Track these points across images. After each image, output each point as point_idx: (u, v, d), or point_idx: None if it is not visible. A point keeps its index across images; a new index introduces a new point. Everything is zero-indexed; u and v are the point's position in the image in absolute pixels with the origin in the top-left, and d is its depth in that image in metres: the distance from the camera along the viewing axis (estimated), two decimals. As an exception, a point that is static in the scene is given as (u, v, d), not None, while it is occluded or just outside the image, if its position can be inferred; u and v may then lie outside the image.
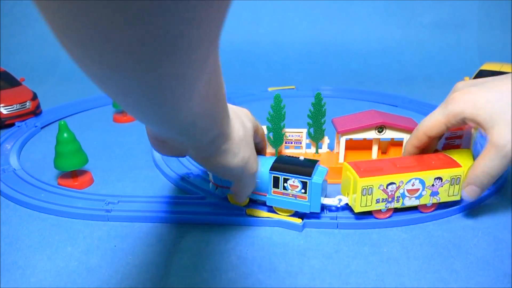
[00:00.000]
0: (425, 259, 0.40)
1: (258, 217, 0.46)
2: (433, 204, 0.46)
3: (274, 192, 0.45)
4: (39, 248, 0.43)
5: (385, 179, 0.43)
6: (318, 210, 0.44)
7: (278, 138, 0.54)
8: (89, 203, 0.49)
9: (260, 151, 0.49)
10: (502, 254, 0.41)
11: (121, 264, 0.40)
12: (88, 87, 1.05)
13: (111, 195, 0.51)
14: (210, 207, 0.48)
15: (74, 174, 0.55)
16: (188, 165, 0.58)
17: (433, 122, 0.46)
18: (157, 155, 0.62)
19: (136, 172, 0.59)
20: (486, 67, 0.82)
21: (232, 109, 0.37)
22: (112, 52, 0.18)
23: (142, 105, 0.24)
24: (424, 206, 0.46)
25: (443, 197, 0.45)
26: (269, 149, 0.57)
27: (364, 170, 0.43)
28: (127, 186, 0.55)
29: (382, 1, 1.22)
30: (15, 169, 0.58)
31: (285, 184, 0.44)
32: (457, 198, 0.46)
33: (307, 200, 0.44)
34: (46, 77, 1.14)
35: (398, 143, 0.57)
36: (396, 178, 0.43)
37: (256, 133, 0.43)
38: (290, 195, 0.44)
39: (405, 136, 0.54)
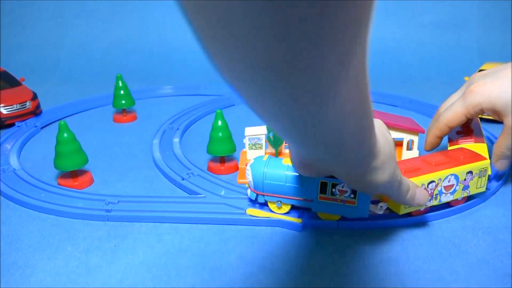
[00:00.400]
0: (425, 259, 0.40)
1: (258, 217, 0.46)
2: (463, 197, 0.47)
3: (321, 198, 0.43)
4: (39, 248, 0.43)
5: (426, 178, 0.43)
6: (367, 215, 0.43)
7: (278, 138, 0.54)
8: (89, 203, 0.49)
9: None
10: (502, 254, 0.41)
11: (121, 264, 0.40)
12: (88, 87, 1.06)
13: (111, 195, 0.51)
14: (210, 207, 0.48)
15: (74, 174, 0.55)
16: (188, 165, 0.58)
17: (453, 115, 0.49)
18: (157, 155, 0.62)
19: (136, 172, 0.59)
20: (486, 67, 0.82)
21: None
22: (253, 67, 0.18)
23: (282, 117, 0.22)
24: (456, 200, 0.47)
25: (472, 190, 0.47)
26: (270, 149, 0.57)
27: (405, 171, 0.43)
28: (127, 186, 0.55)
29: (382, 1, 1.22)
30: (15, 169, 0.58)
31: (333, 190, 0.43)
32: (483, 190, 0.47)
33: (356, 204, 0.43)
34: (46, 77, 1.14)
35: (398, 143, 0.57)
36: (435, 176, 0.44)
37: None
38: (339, 200, 0.43)
39: (405, 136, 0.54)
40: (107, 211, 0.47)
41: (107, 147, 0.68)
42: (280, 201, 0.45)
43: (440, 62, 1.15)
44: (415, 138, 0.54)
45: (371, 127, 0.30)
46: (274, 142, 0.55)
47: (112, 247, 0.43)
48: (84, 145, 0.55)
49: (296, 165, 0.37)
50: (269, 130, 0.54)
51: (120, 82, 0.78)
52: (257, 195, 0.45)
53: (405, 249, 0.42)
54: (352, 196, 0.42)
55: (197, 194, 0.51)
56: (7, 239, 0.44)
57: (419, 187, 0.41)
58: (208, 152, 0.56)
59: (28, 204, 0.50)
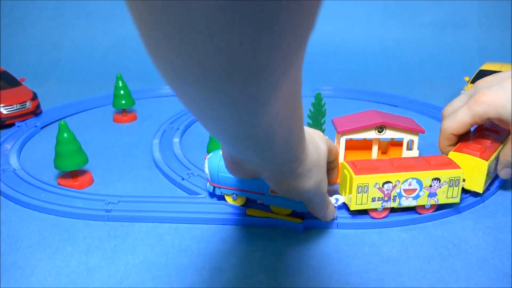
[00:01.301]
0: (425, 259, 0.40)
1: (258, 217, 0.46)
2: (432, 205, 0.46)
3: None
4: (39, 248, 0.43)
5: (381, 178, 0.43)
6: None
7: None
8: (89, 203, 0.49)
9: (333, 169, 0.49)
10: (502, 254, 0.41)
11: (121, 264, 0.40)
12: (88, 87, 1.06)
13: (111, 195, 0.51)
14: (210, 207, 0.48)
15: (74, 174, 0.55)
16: (188, 165, 0.58)
17: (459, 124, 0.50)
18: (157, 155, 0.62)
19: (136, 172, 0.59)
20: (486, 67, 0.82)
21: (307, 131, 0.36)
22: (192, 67, 0.18)
23: (224, 117, 0.23)
24: (423, 207, 0.46)
25: (441, 199, 0.45)
26: None
27: (361, 168, 0.44)
28: (127, 186, 0.55)
29: (382, 1, 1.22)
30: (15, 169, 0.58)
31: None
32: (457, 200, 0.46)
33: None
34: (46, 77, 1.14)
35: (398, 143, 0.57)
36: (392, 177, 0.43)
37: (330, 153, 0.42)
38: None
39: (405, 136, 0.54)
40: (107, 211, 0.47)
41: (107, 147, 0.68)
42: (235, 194, 0.47)
43: (440, 62, 1.15)
44: (415, 138, 0.54)
45: (299, 136, 0.32)
46: None
47: (112, 247, 0.43)
48: (84, 145, 0.55)
49: (227, 165, 0.38)
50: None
51: (120, 82, 0.78)
52: (214, 187, 0.48)
53: (405, 249, 0.42)
54: None
55: (197, 194, 0.51)
56: (7, 239, 0.44)
57: (331, 203, 0.44)
58: (208, 152, 0.56)
59: (28, 204, 0.50)
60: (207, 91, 0.20)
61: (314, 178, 0.36)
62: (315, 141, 0.38)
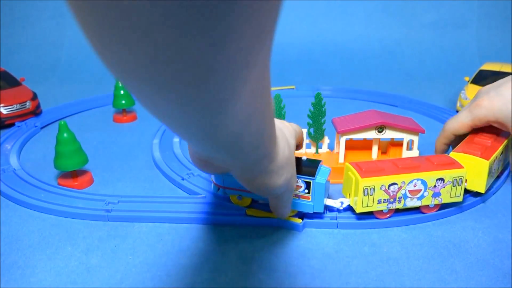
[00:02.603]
0: (425, 259, 0.40)
1: (258, 217, 0.46)
2: (436, 205, 0.46)
3: None
4: (39, 248, 0.43)
5: (386, 180, 0.43)
6: (321, 210, 0.44)
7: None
8: (89, 203, 0.49)
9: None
10: (502, 254, 0.41)
11: (121, 264, 0.40)
12: (88, 87, 1.06)
13: (111, 195, 0.51)
14: (210, 207, 0.48)
15: (74, 174, 0.55)
16: (188, 165, 0.58)
17: (460, 124, 0.53)
18: (157, 155, 0.62)
19: (136, 172, 0.59)
20: (486, 67, 0.82)
21: (278, 126, 0.36)
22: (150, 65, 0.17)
23: (183, 117, 0.22)
24: (427, 207, 0.46)
25: (445, 198, 0.45)
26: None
27: (366, 170, 0.43)
28: (127, 186, 0.55)
29: (382, 1, 1.22)
30: (15, 169, 0.58)
31: None
32: (459, 199, 0.46)
33: (310, 200, 0.44)
34: (46, 77, 1.14)
35: (398, 143, 0.57)
36: (397, 178, 0.43)
37: (297, 141, 0.42)
38: (294, 195, 0.44)
39: (405, 136, 0.54)
40: (107, 211, 0.47)
41: (107, 147, 0.68)
42: (240, 195, 0.46)
43: (440, 62, 1.15)
44: (415, 138, 0.54)
45: (270, 133, 0.31)
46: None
47: (112, 247, 0.43)
48: (84, 145, 0.55)
49: (194, 161, 0.37)
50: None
51: (120, 82, 0.78)
52: (219, 188, 0.47)
53: (405, 249, 0.42)
54: (306, 191, 0.44)
55: (197, 194, 0.51)
56: (7, 239, 0.44)
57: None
58: (208, 152, 0.56)
59: (28, 204, 0.50)
60: (153, 92, 0.19)
61: (286, 174, 0.36)
62: (285, 136, 0.37)
